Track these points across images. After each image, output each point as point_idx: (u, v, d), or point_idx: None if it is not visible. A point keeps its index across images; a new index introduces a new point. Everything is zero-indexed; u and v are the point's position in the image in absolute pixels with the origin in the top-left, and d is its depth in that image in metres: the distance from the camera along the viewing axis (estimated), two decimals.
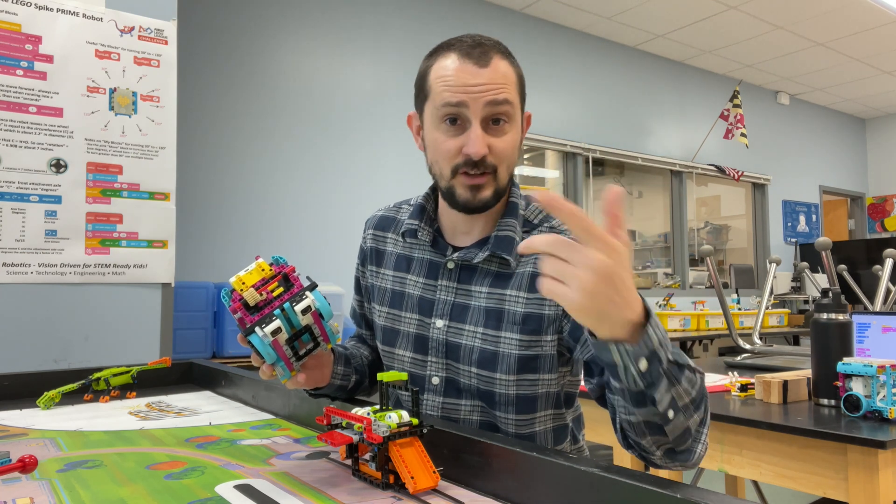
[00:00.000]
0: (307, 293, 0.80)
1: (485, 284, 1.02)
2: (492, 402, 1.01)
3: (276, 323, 0.78)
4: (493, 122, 0.96)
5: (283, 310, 0.79)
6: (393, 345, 1.10)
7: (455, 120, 0.96)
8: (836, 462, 1.27)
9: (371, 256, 1.18)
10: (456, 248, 1.07)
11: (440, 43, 1.01)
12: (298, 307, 0.79)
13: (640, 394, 0.71)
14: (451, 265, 1.05)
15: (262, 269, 0.82)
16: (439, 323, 1.04)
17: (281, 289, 0.81)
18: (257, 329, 0.78)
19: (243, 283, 0.80)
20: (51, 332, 2.06)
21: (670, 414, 0.72)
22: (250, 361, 0.88)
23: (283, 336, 0.80)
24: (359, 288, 1.22)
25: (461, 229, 1.07)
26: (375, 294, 1.15)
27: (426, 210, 1.11)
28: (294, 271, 0.84)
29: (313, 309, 0.80)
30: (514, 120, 0.99)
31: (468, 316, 1.03)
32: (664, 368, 0.70)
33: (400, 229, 1.14)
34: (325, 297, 0.81)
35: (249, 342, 0.79)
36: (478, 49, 0.96)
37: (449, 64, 0.97)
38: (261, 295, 0.80)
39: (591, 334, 0.69)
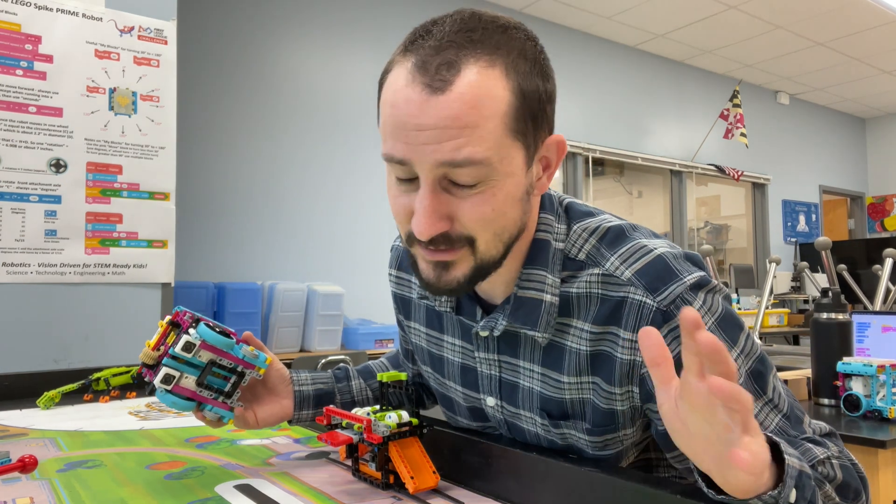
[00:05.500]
0: (189, 331, 0.76)
1: (535, 361, 0.77)
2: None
3: (164, 371, 0.74)
4: (460, 182, 0.65)
5: (170, 355, 0.75)
6: (452, 411, 0.92)
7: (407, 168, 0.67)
8: None
9: (399, 304, 0.96)
10: (485, 307, 0.80)
11: (409, 34, 0.68)
12: (178, 347, 0.75)
13: None
14: (483, 332, 0.79)
15: (160, 327, 0.79)
16: (490, 401, 0.83)
17: (174, 336, 0.78)
18: (155, 383, 0.74)
19: (147, 349, 0.78)
20: (51, 332, 2.06)
21: None
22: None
23: (190, 380, 0.76)
24: (399, 324, 1.00)
25: None
26: (417, 352, 0.95)
27: None
28: (185, 315, 0.79)
29: (197, 343, 0.75)
30: (495, 179, 0.65)
31: (519, 398, 0.80)
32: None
33: None
34: (212, 328, 0.76)
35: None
36: (438, 58, 0.62)
37: (400, 83, 0.64)
38: (157, 350, 0.78)
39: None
